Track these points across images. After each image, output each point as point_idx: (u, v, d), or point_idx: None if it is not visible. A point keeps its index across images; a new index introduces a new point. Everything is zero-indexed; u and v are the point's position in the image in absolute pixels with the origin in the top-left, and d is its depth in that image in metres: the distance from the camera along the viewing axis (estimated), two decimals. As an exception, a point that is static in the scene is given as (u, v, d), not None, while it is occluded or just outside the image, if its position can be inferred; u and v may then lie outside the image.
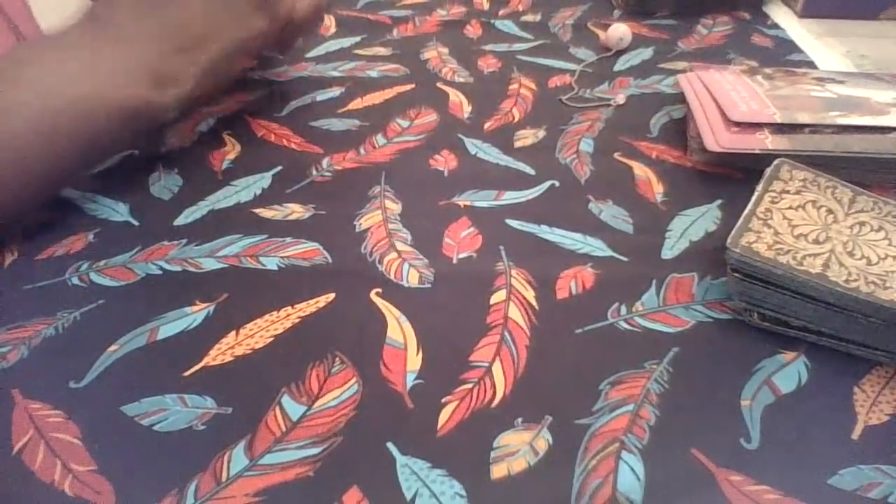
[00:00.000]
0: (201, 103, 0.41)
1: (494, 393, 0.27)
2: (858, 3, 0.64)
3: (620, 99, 0.49)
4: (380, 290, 0.33)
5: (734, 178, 0.40)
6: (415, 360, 0.29)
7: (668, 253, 0.35)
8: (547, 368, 0.28)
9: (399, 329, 0.30)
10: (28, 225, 0.37)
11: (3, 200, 0.33)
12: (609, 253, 0.35)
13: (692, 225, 0.37)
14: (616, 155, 0.43)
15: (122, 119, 0.35)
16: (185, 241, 0.36)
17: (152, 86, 0.36)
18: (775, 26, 0.62)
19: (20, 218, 0.36)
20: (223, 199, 0.40)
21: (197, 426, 0.26)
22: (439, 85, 0.52)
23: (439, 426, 0.26)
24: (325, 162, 0.43)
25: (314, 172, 0.42)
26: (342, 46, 0.59)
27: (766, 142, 0.39)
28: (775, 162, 0.35)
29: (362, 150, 0.44)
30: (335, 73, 0.54)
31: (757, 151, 0.38)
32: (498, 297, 0.32)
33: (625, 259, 0.34)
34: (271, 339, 0.30)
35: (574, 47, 0.58)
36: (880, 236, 0.31)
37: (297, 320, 0.31)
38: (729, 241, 0.30)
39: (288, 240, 0.36)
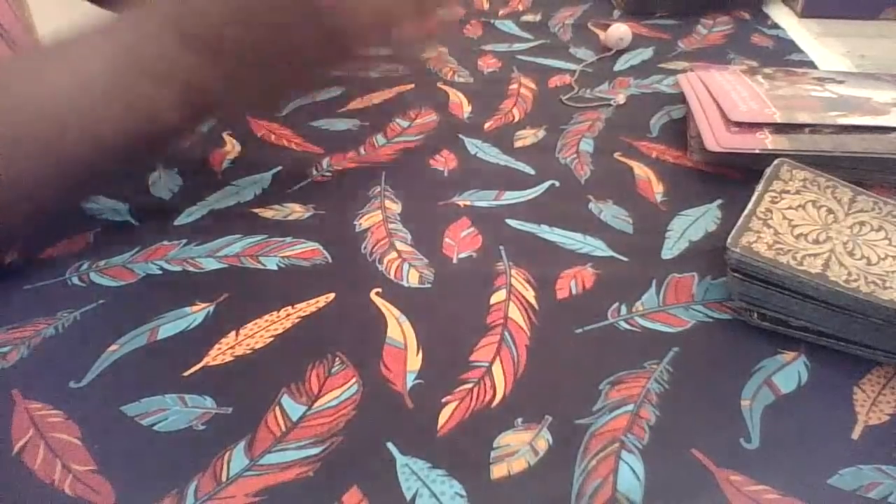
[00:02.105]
0: (228, 117, 0.39)
1: (494, 393, 0.27)
2: (858, 3, 0.64)
3: (620, 99, 0.49)
4: (380, 289, 0.33)
5: (734, 178, 0.40)
6: (415, 360, 0.29)
7: (668, 253, 0.35)
8: (547, 368, 0.28)
9: (399, 329, 0.30)
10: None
11: (8, 210, 0.32)
12: (609, 253, 0.35)
13: (692, 225, 0.37)
14: (616, 155, 0.43)
15: (132, 126, 0.33)
16: (185, 241, 0.36)
17: (178, 114, 0.33)
18: (775, 26, 0.62)
19: (26, 227, 0.36)
20: (223, 199, 0.40)
21: (197, 426, 0.26)
22: (439, 85, 0.52)
23: (439, 426, 0.26)
24: (325, 162, 0.43)
25: (314, 172, 0.42)
26: (342, 46, 0.59)
27: (766, 142, 0.39)
28: (775, 162, 0.35)
29: (362, 150, 0.44)
30: (335, 73, 0.54)
31: (757, 151, 0.38)
32: (498, 296, 0.32)
33: (625, 259, 0.34)
34: (271, 339, 0.30)
35: (574, 47, 0.58)
36: (880, 236, 0.31)
37: (298, 320, 0.31)
38: (729, 240, 0.30)
39: (288, 240, 0.36)
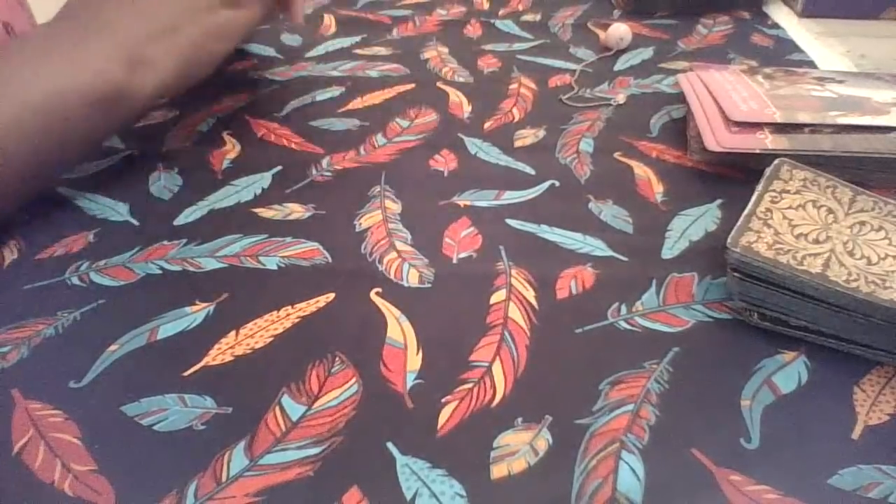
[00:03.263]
0: (183, 89, 0.41)
1: (494, 393, 0.27)
2: (858, 3, 0.64)
3: (620, 98, 0.49)
4: (380, 289, 0.33)
5: (734, 178, 0.40)
6: (415, 360, 0.29)
7: (668, 253, 0.35)
8: (547, 368, 0.28)
9: (399, 329, 0.30)
10: (27, 224, 0.37)
11: None
12: (609, 253, 0.35)
13: (692, 225, 0.37)
14: (616, 155, 0.43)
15: (100, 108, 0.35)
16: (184, 240, 0.36)
17: (128, 72, 0.36)
18: (775, 26, 0.62)
19: (4, 216, 0.36)
20: (223, 199, 0.40)
21: (197, 426, 0.26)
22: (439, 85, 0.52)
23: (439, 426, 0.26)
24: (325, 162, 0.43)
25: (314, 172, 0.42)
26: (342, 46, 0.59)
27: (766, 142, 0.39)
28: (775, 161, 0.35)
29: (362, 150, 0.44)
30: (335, 73, 0.54)
31: (757, 151, 0.38)
32: (498, 296, 0.32)
33: (625, 259, 0.34)
34: (271, 339, 0.30)
35: (574, 47, 0.58)
36: (880, 236, 0.31)
37: (298, 320, 0.31)
38: (729, 240, 0.30)
39: (288, 240, 0.36)
